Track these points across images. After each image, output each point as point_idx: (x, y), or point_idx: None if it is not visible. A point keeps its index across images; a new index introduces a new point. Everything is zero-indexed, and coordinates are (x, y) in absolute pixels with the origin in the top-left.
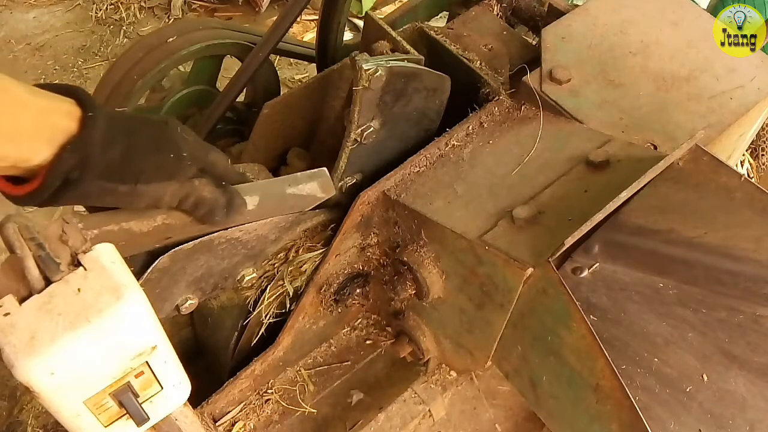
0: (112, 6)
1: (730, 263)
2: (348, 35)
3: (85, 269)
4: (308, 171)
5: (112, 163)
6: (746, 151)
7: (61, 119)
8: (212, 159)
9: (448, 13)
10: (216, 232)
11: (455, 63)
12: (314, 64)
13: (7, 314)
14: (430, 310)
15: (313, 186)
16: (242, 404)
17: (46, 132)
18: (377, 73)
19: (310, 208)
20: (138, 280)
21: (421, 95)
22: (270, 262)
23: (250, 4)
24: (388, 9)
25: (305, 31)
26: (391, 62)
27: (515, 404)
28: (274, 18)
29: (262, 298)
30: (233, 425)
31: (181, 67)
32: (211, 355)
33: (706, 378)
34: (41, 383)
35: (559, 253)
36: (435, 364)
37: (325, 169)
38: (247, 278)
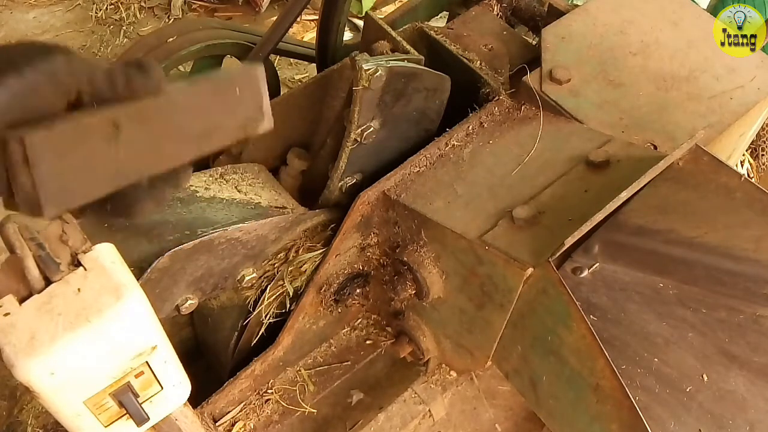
0: (112, 6)
1: (730, 263)
2: (348, 35)
3: (85, 269)
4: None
5: None
6: (746, 151)
7: None
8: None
9: (448, 13)
10: (216, 232)
11: (455, 63)
12: (314, 64)
13: (7, 314)
14: (430, 310)
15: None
16: (242, 404)
17: None
18: (377, 73)
19: (252, 87)
20: (138, 280)
21: (421, 95)
22: (270, 262)
23: (250, 4)
24: (388, 9)
25: (305, 31)
26: (391, 62)
27: (515, 404)
28: (274, 18)
29: (262, 298)
30: (233, 425)
31: (181, 67)
32: (211, 355)
33: (706, 378)
34: (41, 383)
35: (559, 253)
36: (435, 364)
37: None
38: (247, 278)
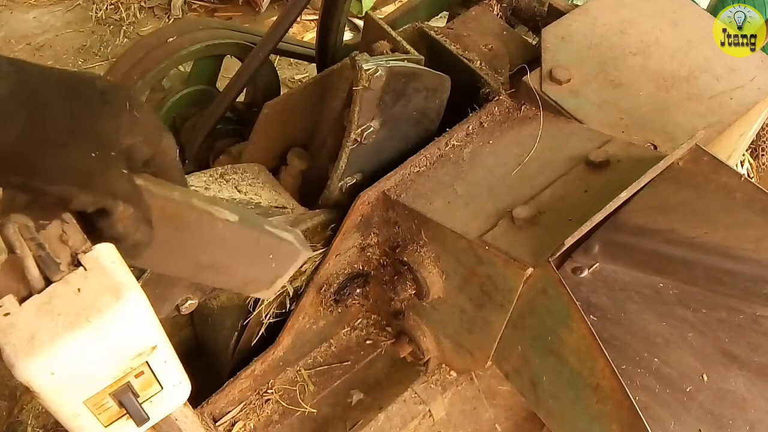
0: (112, 6)
1: (730, 263)
2: (348, 35)
3: (85, 269)
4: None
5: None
6: (746, 151)
7: None
8: (165, 146)
9: (448, 13)
10: None
11: (455, 63)
12: (314, 64)
13: (7, 314)
14: (430, 310)
15: (289, 236)
16: (242, 404)
17: None
18: (377, 73)
19: (286, 262)
20: (138, 280)
21: (421, 95)
22: None
23: (250, 4)
24: (388, 9)
25: (305, 31)
26: (391, 62)
27: (515, 404)
28: (274, 18)
29: (262, 298)
30: (233, 425)
31: (181, 67)
32: (211, 355)
33: (706, 378)
34: (41, 383)
35: (559, 253)
36: (435, 364)
37: (299, 231)
38: None
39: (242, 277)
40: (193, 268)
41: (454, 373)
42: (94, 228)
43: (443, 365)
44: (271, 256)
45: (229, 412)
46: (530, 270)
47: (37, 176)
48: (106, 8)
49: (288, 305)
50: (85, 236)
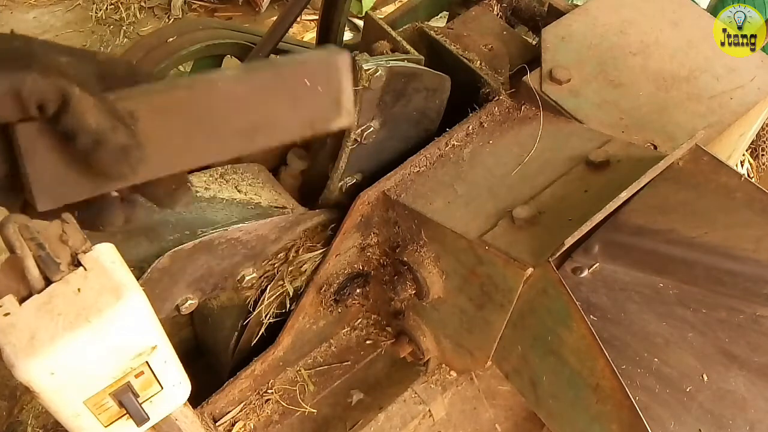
0: (112, 6)
1: (730, 263)
2: (348, 35)
3: (85, 269)
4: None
5: None
6: (746, 151)
7: None
8: (104, 58)
9: (448, 13)
10: (216, 232)
11: (455, 63)
12: None
13: (7, 314)
14: (430, 310)
15: (313, 54)
16: (242, 404)
17: None
18: (377, 73)
19: (332, 77)
20: (138, 280)
21: (421, 95)
22: (270, 262)
23: (250, 4)
24: (388, 9)
25: (305, 31)
26: (391, 62)
27: (515, 404)
28: (274, 18)
29: (262, 298)
30: (233, 425)
31: (181, 67)
32: (211, 355)
33: (706, 378)
34: (41, 383)
35: (559, 253)
36: (435, 364)
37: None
38: (247, 278)
39: (297, 121)
40: (234, 140)
41: (454, 373)
42: (66, 138)
43: (443, 365)
44: (308, 83)
45: (229, 412)
46: (530, 270)
47: None
48: (106, 8)
49: (288, 305)
50: (85, 236)
